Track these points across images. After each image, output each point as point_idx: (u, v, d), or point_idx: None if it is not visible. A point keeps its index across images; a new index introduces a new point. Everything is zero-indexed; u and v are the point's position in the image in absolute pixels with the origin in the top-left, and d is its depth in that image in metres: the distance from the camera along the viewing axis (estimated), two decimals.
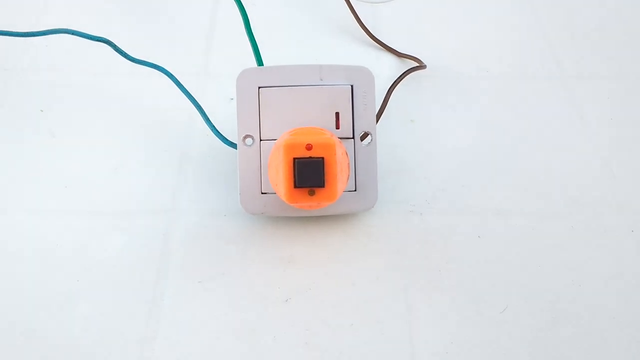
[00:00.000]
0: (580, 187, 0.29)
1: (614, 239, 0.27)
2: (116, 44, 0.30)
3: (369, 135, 0.27)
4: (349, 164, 0.26)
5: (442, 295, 0.26)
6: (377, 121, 0.28)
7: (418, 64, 0.34)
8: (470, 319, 0.25)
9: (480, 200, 0.29)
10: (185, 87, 0.30)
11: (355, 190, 0.27)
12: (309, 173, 0.23)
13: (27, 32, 0.31)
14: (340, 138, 0.26)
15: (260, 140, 0.27)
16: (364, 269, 0.26)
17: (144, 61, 0.30)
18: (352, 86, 0.27)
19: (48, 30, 0.31)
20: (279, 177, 0.24)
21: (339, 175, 0.24)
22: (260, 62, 0.29)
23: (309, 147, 0.24)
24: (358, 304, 0.25)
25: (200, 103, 0.29)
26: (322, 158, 0.24)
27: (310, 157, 0.23)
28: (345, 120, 0.27)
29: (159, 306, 0.25)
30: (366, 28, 0.36)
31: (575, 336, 0.24)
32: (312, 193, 0.24)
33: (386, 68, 0.35)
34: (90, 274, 0.26)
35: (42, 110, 0.32)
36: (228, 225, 0.28)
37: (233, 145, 0.29)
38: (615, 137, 0.32)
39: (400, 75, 0.32)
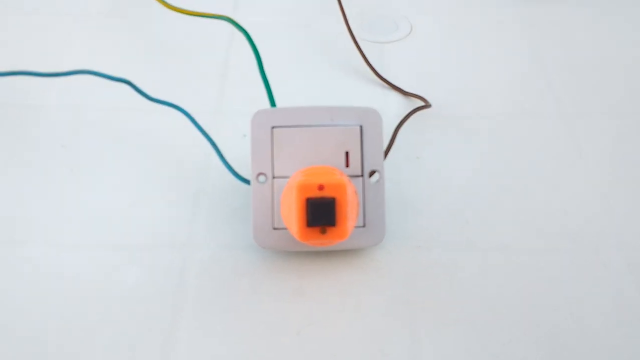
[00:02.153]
0: (579, 222, 0.30)
1: (612, 273, 0.28)
2: (135, 84, 0.31)
3: (377, 173, 0.28)
4: (358, 202, 0.27)
5: (448, 328, 0.26)
6: (384, 158, 0.29)
7: (424, 103, 0.35)
8: (474, 352, 0.26)
9: (483, 236, 0.30)
10: (200, 124, 0.31)
11: (363, 226, 0.28)
12: (320, 213, 0.24)
13: (51, 73, 0.32)
14: (350, 176, 0.28)
15: (273, 177, 0.28)
16: (371, 302, 0.27)
17: (162, 100, 0.32)
18: (361, 126, 0.28)
19: (71, 71, 0.32)
20: (292, 216, 0.25)
21: (350, 214, 0.25)
22: (273, 103, 0.31)
23: (320, 188, 0.25)
24: (366, 338, 0.26)
25: (215, 140, 0.31)
26: (334, 198, 0.25)
27: (322, 198, 0.25)
28: (355, 159, 0.28)
29: (174, 339, 0.26)
30: (373, 67, 0.38)
31: None
32: (323, 231, 0.25)
33: (392, 106, 0.36)
34: (107, 307, 0.27)
35: (63, 146, 0.34)
36: (241, 259, 0.29)
37: (246, 181, 0.30)
38: (614, 174, 0.33)
39: (407, 115, 0.34)
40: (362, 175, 0.28)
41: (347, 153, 0.28)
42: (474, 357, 0.25)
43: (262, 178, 0.28)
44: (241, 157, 0.31)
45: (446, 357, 0.26)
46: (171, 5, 0.36)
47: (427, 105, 0.35)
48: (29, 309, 0.27)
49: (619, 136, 0.35)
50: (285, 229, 0.27)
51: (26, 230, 0.30)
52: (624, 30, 0.42)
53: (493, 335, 0.26)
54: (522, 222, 0.30)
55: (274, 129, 0.28)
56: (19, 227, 0.30)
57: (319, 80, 0.38)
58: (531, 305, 0.27)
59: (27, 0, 0.43)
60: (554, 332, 0.26)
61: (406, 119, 0.34)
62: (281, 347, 0.26)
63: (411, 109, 0.35)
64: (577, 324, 0.27)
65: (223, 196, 0.31)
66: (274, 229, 0.28)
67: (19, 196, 0.31)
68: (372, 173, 0.28)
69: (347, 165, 0.28)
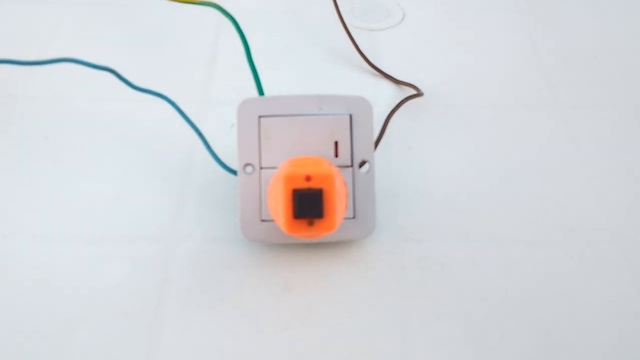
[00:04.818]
0: (575, 215, 0.30)
1: (608, 267, 0.28)
2: (119, 72, 0.31)
3: (367, 163, 0.28)
4: (347, 193, 0.27)
5: (439, 322, 0.26)
6: (375, 148, 0.29)
7: (416, 92, 0.35)
8: (466, 347, 0.25)
9: (476, 228, 0.29)
10: (186, 114, 0.30)
11: (353, 218, 0.28)
12: (308, 204, 0.24)
13: (33, 61, 0.31)
14: (339, 166, 0.27)
15: (261, 168, 0.27)
16: (362, 296, 0.27)
17: (147, 89, 0.31)
18: (350, 115, 0.27)
19: (53, 59, 0.31)
20: (279, 208, 0.24)
21: (338, 205, 0.24)
22: (261, 92, 0.30)
23: (308, 178, 0.24)
24: (356, 332, 0.26)
25: (201, 130, 0.30)
26: (321, 189, 0.24)
27: (309, 189, 0.24)
28: (344, 149, 0.27)
29: (159, 333, 0.25)
30: (364, 55, 0.37)
31: None
32: (311, 223, 0.24)
33: (384, 95, 0.36)
34: (90, 300, 0.26)
35: (46, 137, 0.33)
36: (227, 251, 0.28)
37: (233, 172, 0.29)
38: (610, 166, 0.32)
39: (398, 104, 0.33)
40: (351, 166, 0.27)
41: (336, 143, 0.27)
42: (467, 351, 0.25)
43: (249, 169, 0.27)
44: (228, 147, 0.30)
45: (438, 352, 0.25)
46: None
47: (419, 94, 0.35)
48: (9, 303, 0.26)
49: (616, 128, 0.34)
50: (273, 221, 0.27)
51: (7, 223, 0.29)
52: (621, 20, 0.41)
53: (486, 329, 0.26)
54: (516, 214, 0.30)
55: (261, 119, 0.27)
56: None
57: (308, 68, 0.37)
58: (525, 299, 0.27)
59: None
60: (549, 327, 0.26)
61: (397, 108, 0.33)
62: (269, 343, 0.25)
63: (403, 97, 0.34)
64: (572, 318, 0.26)
65: (209, 187, 0.31)
66: (262, 221, 0.27)
67: None
68: (362, 163, 0.28)
69: (337, 156, 0.27)
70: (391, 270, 0.28)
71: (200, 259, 0.28)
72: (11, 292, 0.27)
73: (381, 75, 0.37)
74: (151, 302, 0.26)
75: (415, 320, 0.26)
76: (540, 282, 0.27)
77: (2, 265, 0.27)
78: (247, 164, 0.27)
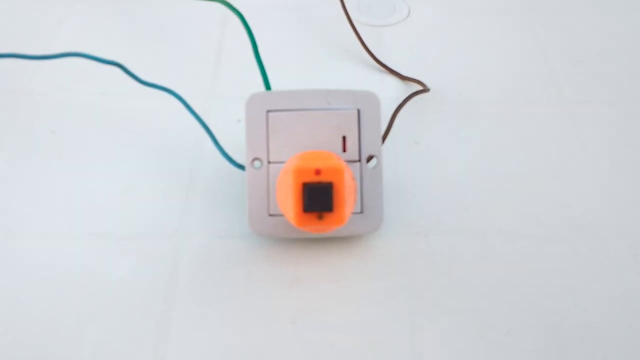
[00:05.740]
0: (581, 211, 0.30)
1: (616, 263, 0.28)
2: (127, 67, 0.31)
3: (375, 158, 0.28)
4: (356, 187, 0.27)
5: (447, 316, 0.26)
6: (382, 143, 0.29)
7: (422, 88, 0.35)
8: (474, 341, 0.25)
9: (483, 223, 0.29)
10: (194, 109, 0.30)
11: (361, 213, 0.28)
12: (317, 197, 0.24)
13: (40, 55, 0.31)
14: (347, 161, 0.27)
15: (269, 163, 0.27)
16: (369, 290, 0.27)
17: (154, 84, 0.31)
18: (358, 110, 0.27)
19: (60, 53, 0.31)
20: (288, 201, 0.25)
21: (347, 199, 0.24)
22: (268, 86, 0.30)
23: (317, 172, 0.24)
24: (363, 326, 0.26)
25: (208, 125, 0.30)
26: (331, 183, 0.24)
27: (319, 182, 0.24)
28: (352, 144, 0.27)
29: (167, 329, 0.25)
30: (370, 51, 0.37)
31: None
32: (320, 217, 0.24)
33: (390, 91, 0.36)
34: (98, 297, 0.26)
35: (53, 132, 0.33)
36: (235, 247, 0.28)
37: (241, 167, 0.29)
38: (616, 162, 0.32)
39: (405, 99, 0.33)
40: (359, 161, 0.27)
41: (344, 137, 0.27)
42: (474, 346, 0.25)
43: (257, 163, 0.27)
44: (236, 142, 0.30)
45: (446, 346, 0.25)
46: None
47: (425, 89, 0.35)
48: (17, 300, 0.26)
49: (621, 124, 0.34)
50: (281, 215, 0.27)
51: (14, 219, 0.29)
52: (626, 17, 0.41)
53: (493, 324, 0.26)
54: (523, 209, 0.30)
55: (270, 113, 0.27)
56: (5, 215, 0.29)
57: (315, 63, 0.37)
58: (533, 295, 0.27)
59: None
60: (556, 323, 0.26)
61: (404, 104, 0.33)
62: (277, 337, 0.25)
63: (409, 93, 0.34)
64: (579, 314, 0.26)
65: (217, 182, 0.31)
66: (270, 215, 0.27)
67: (6, 184, 0.30)
68: (369, 158, 0.28)
69: (344, 150, 0.27)
70: (399, 265, 0.28)
71: (209, 254, 0.28)
72: (19, 288, 0.27)
73: (387, 71, 0.37)
74: (160, 298, 0.26)
75: (422, 314, 0.26)
76: (547, 278, 0.27)
77: (10, 261, 0.27)
78: (255, 159, 0.27)
